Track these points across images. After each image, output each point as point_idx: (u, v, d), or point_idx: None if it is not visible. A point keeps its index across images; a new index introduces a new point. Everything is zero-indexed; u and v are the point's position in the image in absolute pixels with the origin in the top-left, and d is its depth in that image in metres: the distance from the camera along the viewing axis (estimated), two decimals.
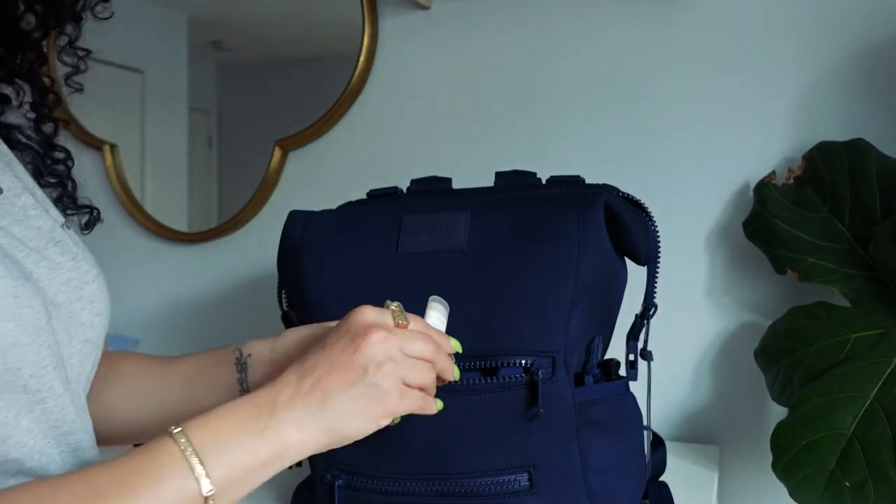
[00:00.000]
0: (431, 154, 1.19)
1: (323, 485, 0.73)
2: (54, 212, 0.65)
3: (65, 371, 0.59)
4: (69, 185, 0.74)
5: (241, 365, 0.69)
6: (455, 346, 0.60)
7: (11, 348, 0.50)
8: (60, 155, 0.74)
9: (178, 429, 0.47)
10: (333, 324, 0.62)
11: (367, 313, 0.55)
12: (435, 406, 0.58)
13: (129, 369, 0.75)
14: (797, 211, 0.96)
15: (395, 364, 0.53)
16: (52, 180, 0.73)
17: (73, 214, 0.73)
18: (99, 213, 0.76)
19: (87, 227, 0.75)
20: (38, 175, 0.72)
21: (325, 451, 0.52)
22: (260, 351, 0.69)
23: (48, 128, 0.74)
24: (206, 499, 0.46)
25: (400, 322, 0.56)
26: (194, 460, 0.46)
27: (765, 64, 1.02)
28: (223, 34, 1.31)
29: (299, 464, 0.77)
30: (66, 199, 0.73)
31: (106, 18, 0.72)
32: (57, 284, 0.60)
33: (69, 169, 0.75)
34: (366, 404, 0.52)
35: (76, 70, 0.74)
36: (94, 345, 0.65)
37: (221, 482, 0.47)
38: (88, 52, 0.74)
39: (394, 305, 0.57)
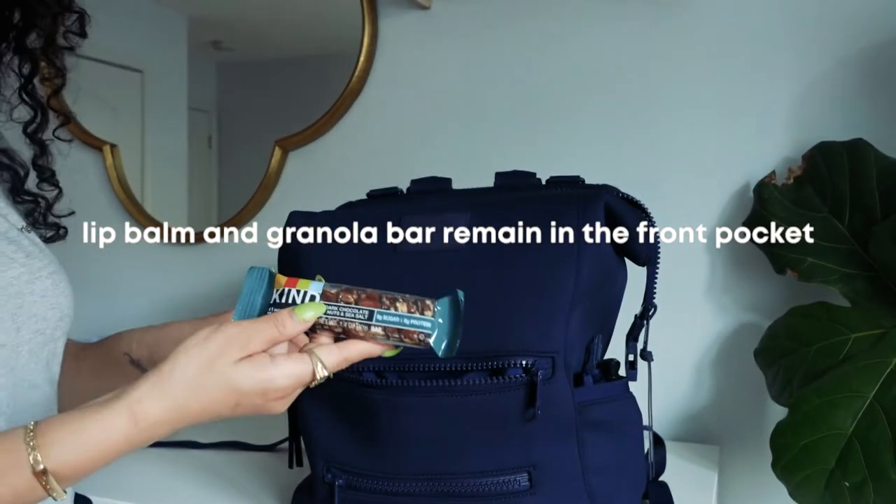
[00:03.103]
0: (431, 154, 1.19)
1: (323, 485, 0.73)
2: (14, 218, 0.70)
3: (6, 358, 0.63)
4: (41, 203, 0.78)
5: (138, 365, 0.78)
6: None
7: None
8: (46, 174, 0.79)
9: (41, 466, 0.52)
10: (211, 317, 0.74)
11: (285, 383, 0.56)
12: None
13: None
14: (797, 211, 0.96)
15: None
16: (28, 198, 0.77)
17: (40, 229, 0.78)
18: (66, 231, 0.81)
19: (49, 241, 0.79)
20: (16, 193, 0.77)
21: None
22: (147, 354, 0.77)
23: (35, 149, 0.79)
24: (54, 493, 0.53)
25: (313, 380, 0.58)
26: (54, 483, 0.52)
27: (765, 64, 1.02)
28: (223, 34, 1.31)
29: (300, 463, 0.78)
30: (38, 215, 0.78)
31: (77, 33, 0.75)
32: (8, 277, 0.64)
33: (57, 185, 0.80)
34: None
35: (60, 72, 0.77)
36: (49, 336, 0.69)
37: (67, 478, 0.53)
38: (72, 48, 0.77)
39: (315, 359, 0.58)
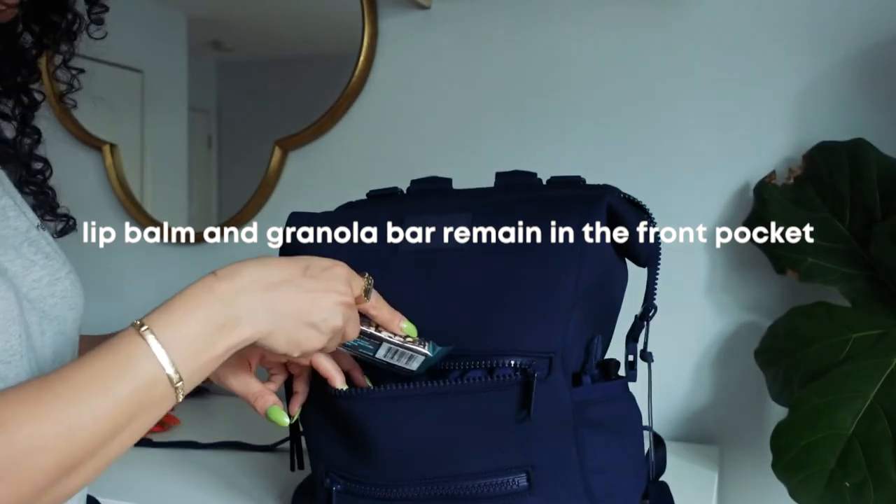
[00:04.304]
0: (431, 154, 1.19)
1: (322, 489, 0.73)
2: (31, 215, 0.69)
3: (36, 363, 0.62)
4: (49, 193, 0.78)
5: None
6: (409, 329, 0.65)
7: None
8: (39, 165, 0.79)
9: (145, 326, 0.52)
10: None
11: (345, 274, 0.61)
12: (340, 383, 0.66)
13: None
14: (797, 211, 0.96)
15: (335, 328, 0.60)
16: (34, 188, 0.77)
17: (50, 221, 0.77)
18: (75, 222, 0.81)
19: (62, 233, 0.79)
20: (24, 184, 0.77)
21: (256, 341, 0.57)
22: None
23: (31, 140, 0.78)
24: (176, 389, 0.52)
25: (364, 297, 0.62)
26: (163, 357, 0.51)
27: (765, 64, 1.03)
28: (223, 34, 1.31)
29: (301, 466, 0.78)
30: (45, 207, 0.77)
31: (100, 38, 0.76)
32: (30, 281, 0.63)
33: (46, 178, 0.79)
34: (299, 337, 0.58)
35: (70, 87, 0.79)
36: (68, 338, 0.69)
37: (187, 374, 0.52)
38: (82, 70, 0.79)
39: (369, 281, 0.63)
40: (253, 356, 0.68)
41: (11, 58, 0.73)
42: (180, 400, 0.53)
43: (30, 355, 0.61)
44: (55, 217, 0.79)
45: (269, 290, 0.56)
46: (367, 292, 0.62)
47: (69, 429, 0.47)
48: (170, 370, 0.51)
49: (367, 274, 0.63)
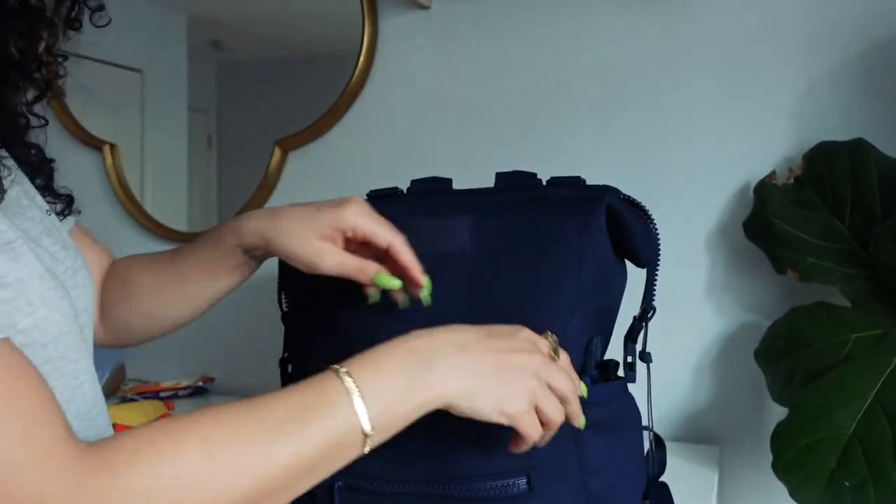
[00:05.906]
0: (431, 154, 1.18)
1: (322, 486, 0.73)
2: (39, 199, 0.68)
3: (90, 356, 0.62)
4: (47, 171, 0.76)
5: (255, 258, 0.74)
6: (583, 390, 0.63)
7: (61, 336, 0.54)
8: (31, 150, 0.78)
9: (345, 369, 0.52)
10: (326, 207, 0.69)
11: (531, 332, 0.61)
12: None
13: (144, 283, 0.81)
14: (797, 211, 0.96)
15: (538, 384, 0.58)
16: (31, 168, 0.75)
17: (52, 203, 0.76)
18: (74, 199, 0.79)
19: (62, 213, 0.77)
20: (20, 164, 0.75)
21: (454, 411, 0.56)
22: (262, 244, 0.71)
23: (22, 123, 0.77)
24: (367, 436, 0.51)
25: (552, 354, 0.60)
26: (360, 404, 0.50)
27: (765, 64, 1.02)
28: (223, 34, 1.31)
29: None
30: (45, 188, 0.76)
31: (104, 25, 0.75)
32: (59, 275, 0.62)
33: (39, 160, 0.78)
34: (501, 395, 0.56)
35: (56, 74, 0.78)
36: (88, 326, 0.68)
37: (380, 423, 0.52)
38: (66, 57, 0.77)
39: (552, 338, 0.62)
40: (337, 234, 0.67)
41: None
42: (366, 451, 0.52)
43: (89, 350, 0.60)
44: (56, 197, 0.78)
45: (461, 350, 0.56)
46: (555, 350, 0.61)
47: (266, 456, 0.47)
48: (365, 422, 0.51)
49: (549, 332, 0.62)
